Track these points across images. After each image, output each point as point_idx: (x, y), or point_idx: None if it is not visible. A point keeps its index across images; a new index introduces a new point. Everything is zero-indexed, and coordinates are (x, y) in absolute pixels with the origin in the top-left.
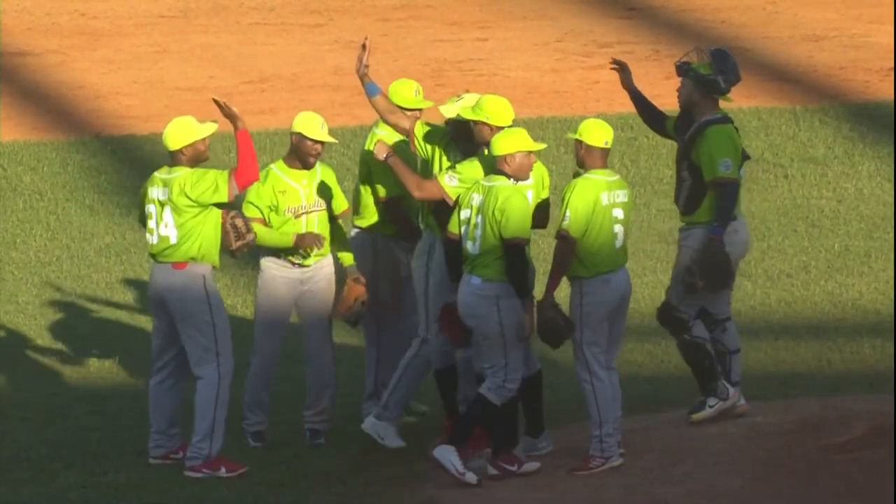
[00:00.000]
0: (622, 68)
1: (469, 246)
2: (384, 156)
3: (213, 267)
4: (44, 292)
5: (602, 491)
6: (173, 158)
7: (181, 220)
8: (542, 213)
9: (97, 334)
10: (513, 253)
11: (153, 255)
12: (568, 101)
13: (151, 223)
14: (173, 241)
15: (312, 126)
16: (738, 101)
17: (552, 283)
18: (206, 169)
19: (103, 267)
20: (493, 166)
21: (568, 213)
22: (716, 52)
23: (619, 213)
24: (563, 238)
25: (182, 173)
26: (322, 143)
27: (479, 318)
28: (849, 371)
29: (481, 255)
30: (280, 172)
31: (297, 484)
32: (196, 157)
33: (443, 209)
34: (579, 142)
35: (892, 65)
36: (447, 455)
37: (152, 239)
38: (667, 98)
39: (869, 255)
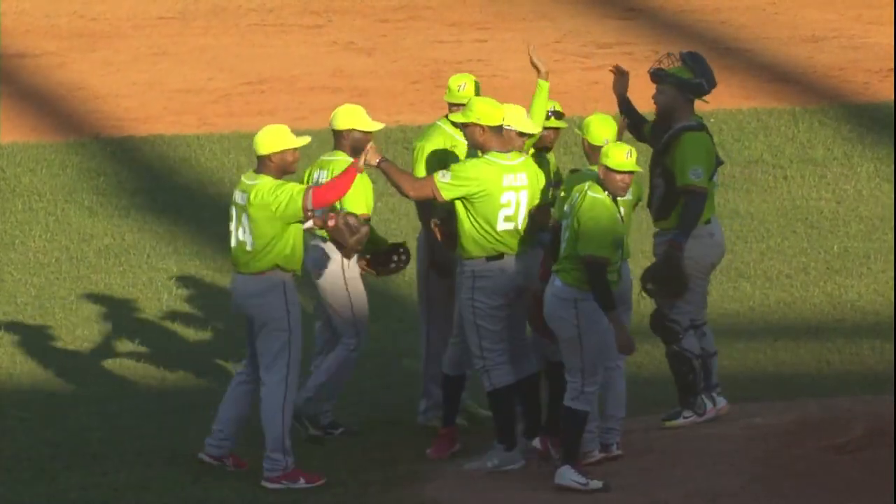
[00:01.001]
0: (622, 74)
1: (562, 245)
2: (376, 161)
3: (295, 274)
4: (43, 293)
5: (602, 491)
6: (260, 164)
7: (257, 230)
8: (543, 215)
9: (96, 335)
10: (591, 270)
11: (234, 263)
12: (567, 101)
13: (232, 225)
14: (249, 247)
15: (364, 119)
16: (738, 102)
17: (541, 274)
18: (287, 181)
19: (102, 268)
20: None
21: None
22: (690, 56)
23: None
24: (554, 229)
25: (262, 181)
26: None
27: (558, 320)
28: (848, 372)
29: (565, 259)
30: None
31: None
32: (283, 168)
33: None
34: (584, 139)
35: (892, 65)
36: (565, 476)
37: (232, 241)
38: None
39: (868, 256)
